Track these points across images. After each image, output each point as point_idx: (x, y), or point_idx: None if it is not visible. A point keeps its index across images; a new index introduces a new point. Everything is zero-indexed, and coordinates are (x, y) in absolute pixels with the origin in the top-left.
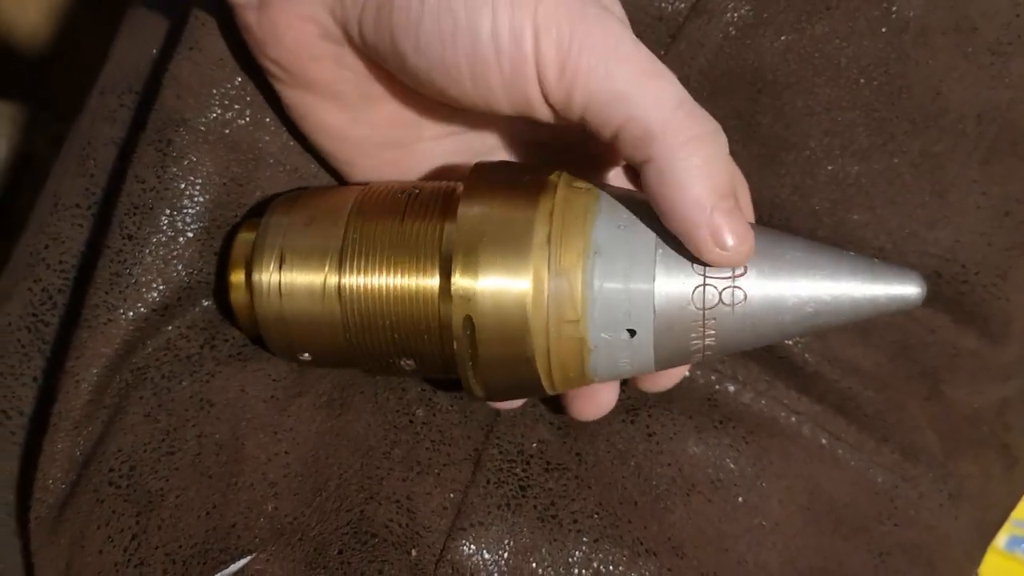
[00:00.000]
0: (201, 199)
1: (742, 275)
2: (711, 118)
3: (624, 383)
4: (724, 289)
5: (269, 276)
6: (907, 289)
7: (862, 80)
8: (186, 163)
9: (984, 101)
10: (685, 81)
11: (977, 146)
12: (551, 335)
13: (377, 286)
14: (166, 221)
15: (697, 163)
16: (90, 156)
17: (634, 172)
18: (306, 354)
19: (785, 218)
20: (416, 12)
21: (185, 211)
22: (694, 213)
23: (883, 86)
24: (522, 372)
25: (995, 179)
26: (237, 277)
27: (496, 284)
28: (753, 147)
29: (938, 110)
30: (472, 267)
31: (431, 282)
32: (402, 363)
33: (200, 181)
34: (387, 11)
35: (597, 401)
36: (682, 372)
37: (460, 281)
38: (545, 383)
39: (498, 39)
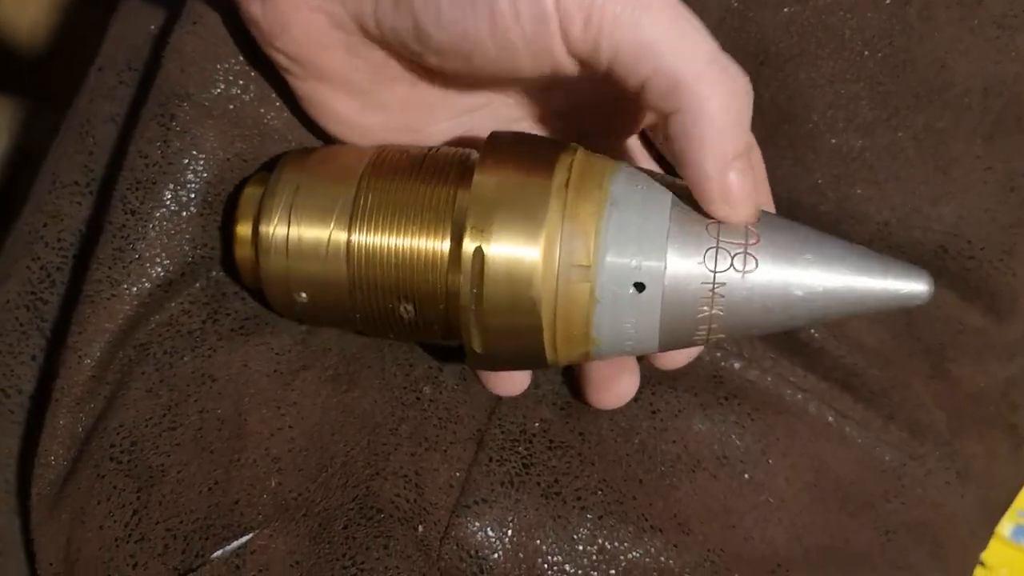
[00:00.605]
0: (205, 174)
1: (755, 244)
2: (742, 71)
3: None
4: (736, 254)
5: (276, 229)
6: (915, 286)
7: (866, 52)
8: (189, 138)
9: (990, 75)
10: None
11: (982, 121)
12: (559, 285)
13: (386, 246)
14: (170, 196)
15: (724, 119)
16: (89, 133)
17: (650, 141)
18: (303, 295)
19: (787, 192)
20: None
21: (189, 186)
22: (712, 167)
23: (887, 59)
24: (525, 325)
25: (1000, 154)
26: (243, 229)
27: (508, 233)
28: (756, 120)
29: (942, 84)
30: (487, 221)
31: (442, 245)
32: (402, 313)
33: (204, 156)
34: None
35: (617, 390)
36: (696, 349)
37: (472, 235)
38: (548, 345)
39: (516, 1)
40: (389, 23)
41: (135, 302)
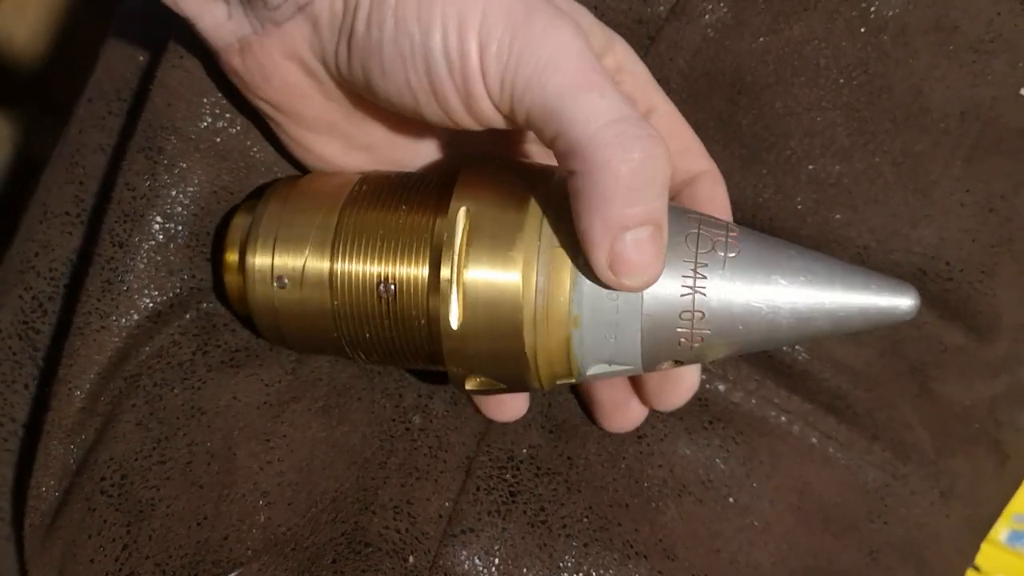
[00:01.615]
0: (192, 206)
1: (733, 270)
2: (652, 136)
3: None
4: (712, 283)
5: (261, 259)
6: (901, 301)
7: (842, 80)
8: (177, 171)
9: (966, 99)
10: (665, 83)
11: (960, 144)
12: (538, 320)
13: (365, 273)
14: (157, 228)
15: (617, 188)
16: (79, 164)
17: None
18: (290, 322)
19: (768, 218)
20: (377, 37)
21: (177, 218)
22: (599, 236)
23: (863, 86)
24: (507, 347)
25: (979, 176)
26: (232, 257)
27: (486, 257)
28: (734, 148)
29: (920, 109)
30: (463, 256)
31: (422, 271)
32: (386, 335)
33: (191, 188)
34: (355, 39)
35: (627, 414)
36: (693, 385)
37: (448, 270)
38: (531, 371)
39: (449, 56)
40: (345, 72)
41: (124, 334)
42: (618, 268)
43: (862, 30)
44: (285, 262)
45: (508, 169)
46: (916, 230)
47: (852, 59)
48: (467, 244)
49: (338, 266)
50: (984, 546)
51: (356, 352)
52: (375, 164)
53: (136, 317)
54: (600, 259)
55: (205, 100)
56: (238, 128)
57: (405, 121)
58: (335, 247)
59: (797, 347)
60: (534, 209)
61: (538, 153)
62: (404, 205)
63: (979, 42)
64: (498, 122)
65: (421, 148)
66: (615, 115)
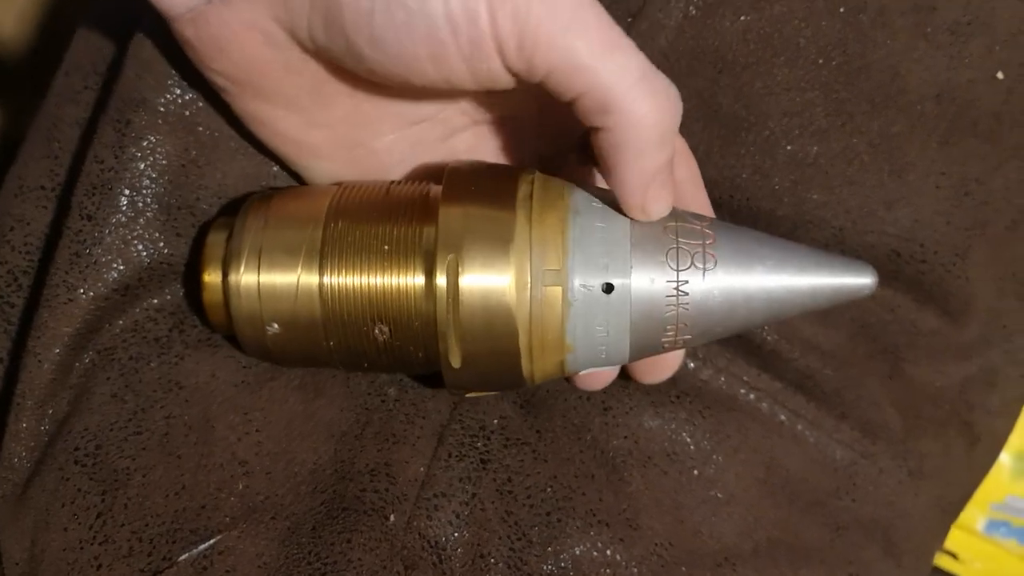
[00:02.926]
0: (161, 180)
1: (712, 243)
2: (671, 85)
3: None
4: (695, 254)
5: (246, 276)
6: (861, 280)
7: (821, 60)
8: (145, 143)
9: (943, 82)
10: None
11: (936, 126)
12: (533, 295)
13: (358, 286)
14: (125, 201)
15: (651, 137)
16: (55, 138)
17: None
18: (276, 331)
19: (745, 198)
20: (367, 7)
21: (144, 191)
22: (636, 182)
23: (841, 66)
24: (502, 338)
25: (954, 159)
26: (212, 277)
27: (480, 247)
28: (714, 128)
29: (897, 90)
30: (457, 239)
31: (415, 280)
32: (377, 335)
33: (159, 161)
34: (336, 10)
35: (599, 376)
36: (676, 363)
37: (443, 276)
38: (525, 370)
39: (453, 21)
40: (322, 42)
41: (92, 306)
42: (649, 208)
43: (841, 10)
44: (272, 278)
45: (490, 169)
46: (891, 212)
47: (831, 39)
48: (460, 237)
49: (327, 279)
50: (962, 535)
51: (352, 371)
52: (333, 142)
53: (104, 290)
54: (636, 203)
55: (174, 72)
56: (207, 101)
57: (368, 98)
58: (323, 259)
59: (767, 327)
60: (523, 196)
61: (511, 120)
62: (389, 213)
63: (956, 24)
64: (504, 81)
65: (383, 125)
66: (643, 71)
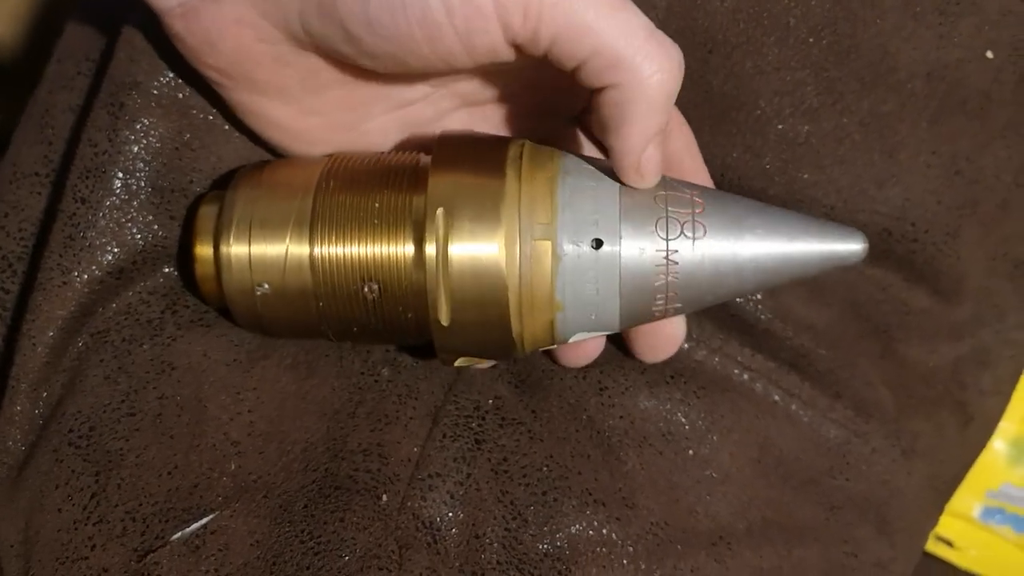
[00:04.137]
0: (154, 163)
1: (700, 212)
2: (675, 46)
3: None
4: (685, 223)
5: (237, 248)
6: (850, 246)
7: (811, 39)
8: (138, 126)
9: (933, 61)
10: None
11: (926, 105)
12: (523, 286)
13: (348, 255)
14: (119, 184)
15: (658, 96)
16: (48, 124)
17: (584, 123)
18: (269, 303)
19: (737, 177)
20: None
21: (138, 174)
22: (637, 141)
23: (832, 45)
24: (495, 326)
25: (944, 138)
26: (203, 250)
27: (470, 209)
28: (705, 107)
29: (887, 70)
30: (446, 230)
31: (405, 249)
32: (367, 292)
33: (153, 145)
34: (328, 1)
35: (585, 350)
36: (679, 336)
37: (433, 245)
38: (516, 338)
39: (448, 1)
40: (317, 31)
41: (86, 289)
42: (644, 171)
43: None
44: (264, 249)
45: (479, 137)
46: (882, 191)
47: (821, 18)
48: (448, 242)
49: (318, 250)
50: (958, 522)
51: (342, 339)
52: (326, 127)
53: (98, 272)
54: (632, 164)
55: (168, 55)
56: (200, 84)
57: (360, 83)
58: (313, 230)
59: (760, 307)
60: (513, 156)
61: (502, 101)
62: (379, 183)
63: (946, 4)
64: (505, 54)
65: (374, 108)
66: (649, 29)
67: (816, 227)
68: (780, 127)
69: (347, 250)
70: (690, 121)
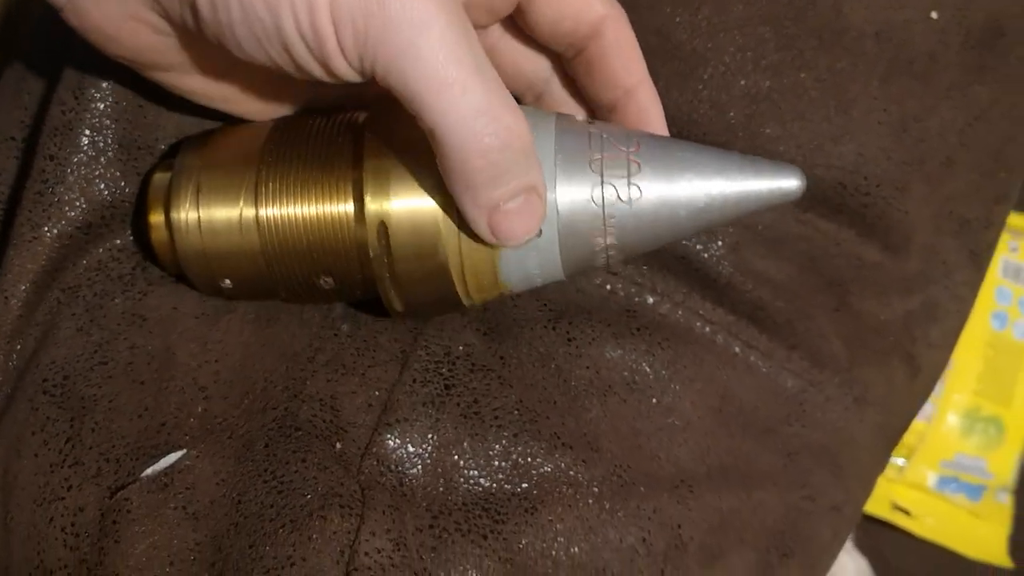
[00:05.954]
0: (120, 120)
1: (637, 174)
2: (511, 127)
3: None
4: (620, 186)
5: (187, 213)
6: (788, 182)
7: None
8: (104, 84)
9: (882, 20)
10: None
11: (876, 64)
12: (463, 241)
13: (293, 215)
14: (86, 141)
15: (477, 176)
16: (24, 89)
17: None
18: (227, 280)
19: (702, 133)
20: (225, 19)
21: (105, 131)
22: (472, 212)
23: (792, 1)
24: (437, 279)
25: (893, 97)
26: (156, 217)
27: (406, 186)
28: (673, 63)
29: (841, 28)
30: (384, 187)
31: (346, 207)
32: (321, 282)
33: (120, 104)
34: (201, 16)
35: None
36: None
37: (372, 202)
38: (460, 289)
39: (305, 38)
40: (208, 32)
41: (56, 244)
42: (499, 234)
43: None
44: (211, 214)
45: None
46: (837, 146)
47: None
48: (387, 174)
49: (264, 212)
50: (914, 492)
51: (293, 295)
52: (252, 85)
53: (68, 228)
54: (482, 228)
55: None
56: None
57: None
58: (259, 194)
59: (723, 262)
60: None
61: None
62: (321, 145)
63: None
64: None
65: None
66: (473, 110)
67: (752, 165)
68: (743, 82)
69: (293, 211)
70: (657, 77)
